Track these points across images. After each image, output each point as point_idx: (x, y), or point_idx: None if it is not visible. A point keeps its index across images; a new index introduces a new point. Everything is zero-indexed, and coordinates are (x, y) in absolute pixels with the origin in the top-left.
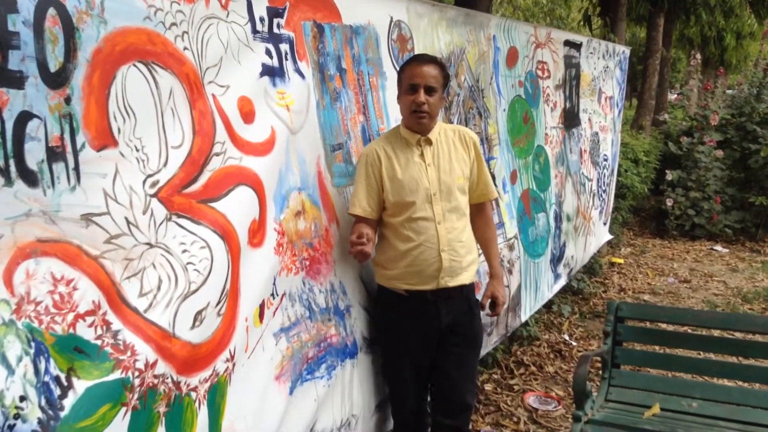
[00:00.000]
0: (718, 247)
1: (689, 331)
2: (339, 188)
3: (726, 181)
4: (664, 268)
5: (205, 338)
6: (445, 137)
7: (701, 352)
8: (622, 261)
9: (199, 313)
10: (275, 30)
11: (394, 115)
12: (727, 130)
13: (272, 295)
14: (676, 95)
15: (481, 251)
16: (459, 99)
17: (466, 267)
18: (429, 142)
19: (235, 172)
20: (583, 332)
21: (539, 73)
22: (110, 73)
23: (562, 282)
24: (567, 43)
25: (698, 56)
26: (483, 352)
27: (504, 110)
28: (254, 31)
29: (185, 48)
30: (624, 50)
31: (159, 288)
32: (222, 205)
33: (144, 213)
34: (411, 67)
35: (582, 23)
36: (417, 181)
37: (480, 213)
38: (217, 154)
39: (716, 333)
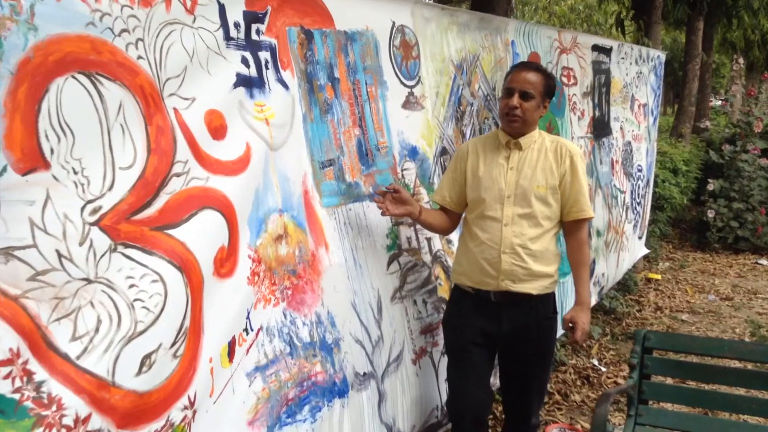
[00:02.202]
0: (763, 261)
1: (726, 363)
2: (329, 209)
3: None
4: (705, 284)
5: (155, 385)
6: (540, 145)
7: (739, 388)
8: (659, 277)
9: (148, 356)
10: (254, 36)
11: (395, 128)
12: None
13: (245, 330)
14: (721, 101)
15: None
16: (473, 109)
17: (535, 277)
18: (519, 147)
19: (200, 195)
20: (614, 356)
21: (564, 80)
22: (41, 87)
23: (593, 301)
24: (595, 48)
25: (741, 60)
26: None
27: None
28: (227, 37)
29: (140, 57)
30: (659, 55)
31: (97, 330)
32: (182, 232)
33: (81, 244)
34: (512, 72)
35: (615, 27)
36: (494, 180)
37: (572, 233)
38: (178, 175)
39: (756, 366)
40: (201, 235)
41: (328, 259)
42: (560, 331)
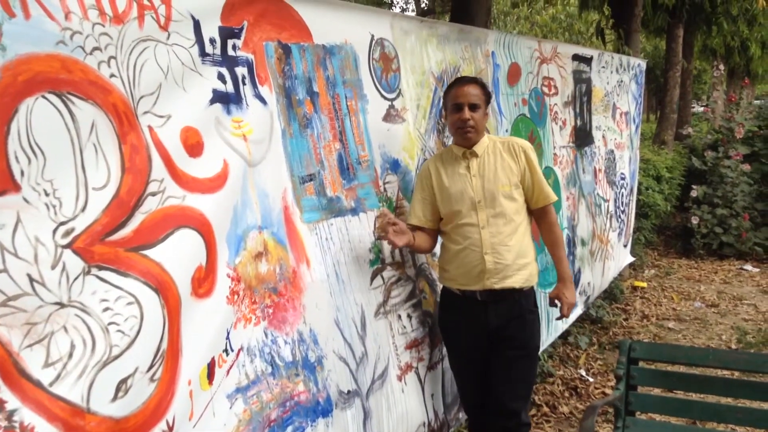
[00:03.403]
0: (748, 267)
1: (712, 373)
2: (310, 224)
3: (754, 196)
4: (690, 291)
5: (132, 410)
6: (493, 149)
7: (726, 398)
8: (645, 284)
9: (124, 381)
10: (230, 52)
11: (377, 141)
12: (754, 143)
13: (225, 351)
14: (703, 107)
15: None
16: None
17: (516, 270)
18: (475, 155)
19: (176, 214)
20: (602, 366)
21: (545, 89)
22: (10, 108)
23: (578, 311)
24: (576, 57)
25: (722, 67)
26: None
27: (506, 131)
28: (203, 53)
29: (112, 75)
30: (640, 63)
31: (71, 355)
32: (158, 252)
33: (53, 267)
34: (453, 89)
35: (595, 36)
36: (462, 192)
37: (542, 218)
38: (153, 194)
39: (742, 375)
40: (178, 254)
41: (309, 276)
42: (549, 338)
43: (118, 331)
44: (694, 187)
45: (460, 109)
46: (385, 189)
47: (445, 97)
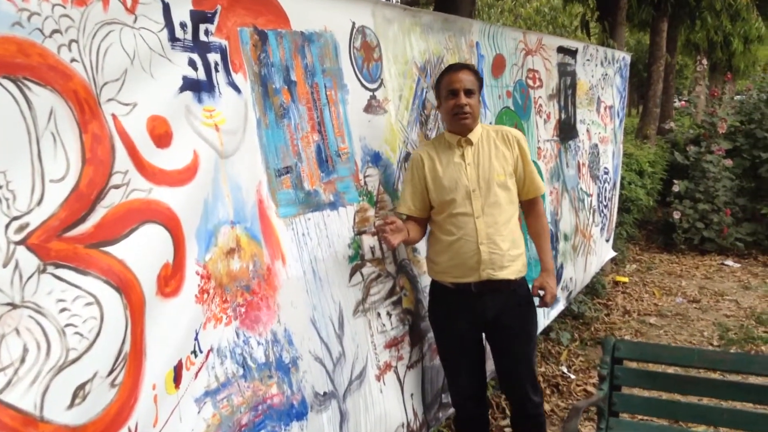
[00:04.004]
0: (729, 262)
1: (697, 373)
2: (286, 219)
3: (736, 191)
4: (672, 286)
5: (91, 417)
6: (487, 137)
7: (711, 399)
8: (627, 279)
9: (82, 387)
10: (202, 37)
11: (357, 132)
12: (736, 138)
13: (193, 352)
14: (681, 102)
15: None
16: (437, 112)
17: (511, 261)
18: (470, 143)
19: (141, 208)
20: (584, 362)
21: (530, 82)
22: None
23: (561, 307)
24: (561, 49)
25: (705, 62)
26: None
27: (490, 123)
28: (173, 38)
29: (73, 60)
30: (624, 56)
31: (23, 360)
32: (120, 248)
33: (5, 265)
34: (447, 75)
35: (580, 29)
36: (456, 180)
37: (531, 209)
38: (117, 187)
39: (728, 376)
40: (142, 251)
41: (285, 273)
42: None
43: (76, 333)
44: (675, 181)
45: (455, 95)
46: (365, 182)
47: (438, 85)
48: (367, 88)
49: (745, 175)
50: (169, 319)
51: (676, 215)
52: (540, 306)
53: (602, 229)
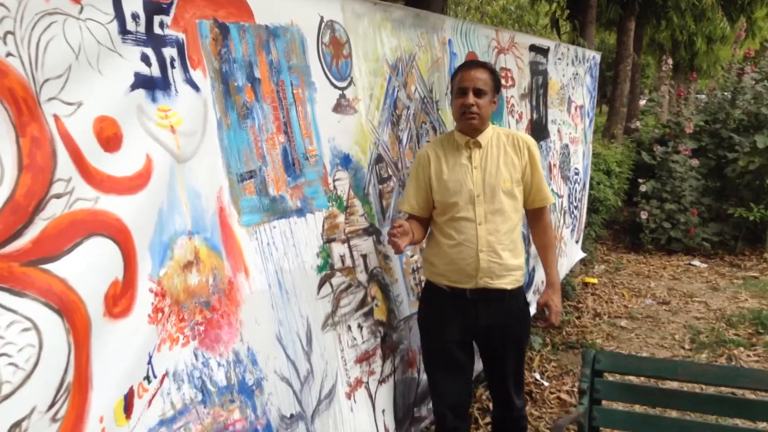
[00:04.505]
0: (696, 262)
1: (680, 387)
2: (250, 227)
3: (701, 191)
4: (641, 287)
5: None
6: (497, 141)
7: (694, 413)
8: (596, 281)
9: (17, 424)
10: (156, 30)
11: (326, 134)
12: (701, 138)
13: (146, 378)
14: (643, 101)
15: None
16: (409, 112)
17: (510, 271)
18: (478, 145)
19: (87, 219)
20: (556, 368)
21: (502, 81)
22: None
23: (533, 310)
24: (533, 48)
25: (670, 61)
26: None
27: None
28: (123, 31)
29: (9, 54)
30: (594, 56)
31: None
32: (62, 266)
33: None
34: (461, 72)
35: (550, 28)
36: (461, 183)
37: (537, 219)
38: (59, 196)
39: (712, 389)
40: (87, 268)
41: (248, 287)
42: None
43: (11, 364)
44: (640, 181)
45: (464, 93)
46: (335, 187)
47: (452, 82)
48: (336, 87)
49: (710, 174)
50: (119, 342)
51: (644, 215)
52: (545, 326)
53: (572, 230)
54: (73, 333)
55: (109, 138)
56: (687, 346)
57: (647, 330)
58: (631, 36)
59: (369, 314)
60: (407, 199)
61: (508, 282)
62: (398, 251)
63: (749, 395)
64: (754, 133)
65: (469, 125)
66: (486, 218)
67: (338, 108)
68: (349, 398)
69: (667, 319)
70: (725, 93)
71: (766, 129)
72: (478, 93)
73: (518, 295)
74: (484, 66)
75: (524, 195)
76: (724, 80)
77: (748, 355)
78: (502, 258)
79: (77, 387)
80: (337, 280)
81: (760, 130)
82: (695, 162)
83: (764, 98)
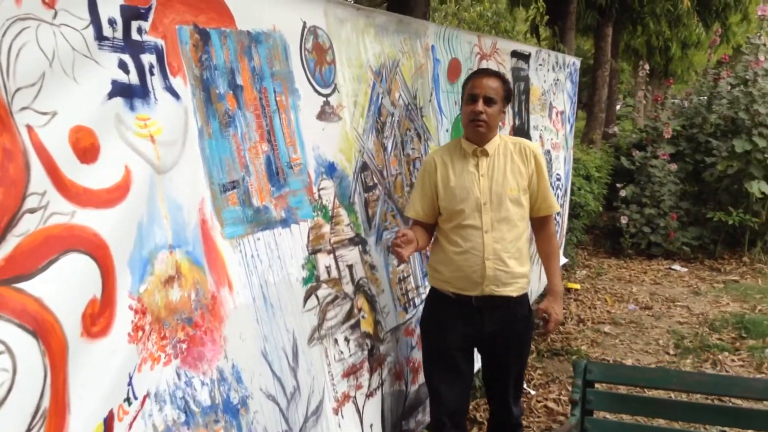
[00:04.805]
0: (677, 266)
1: (668, 395)
2: (233, 240)
3: (680, 195)
4: (623, 292)
5: None
6: (504, 149)
7: (689, 423)
8: (578, 286)
9: None
10: (135, 36)
11: (310, 142)
12: (679, 142)
13: (127, 399)
14: (618, 106)
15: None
16: (393, 119)
17: (515, 278)
18: (485, 153)
19: (62, 235)
20: (542, 375)
21: None
22: None
23: None
24: (514, 54)
25: (647, 67)
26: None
27: (447, 130)
28: (100, 37)
29: None
30: (574, 61)
31: None
32: (37, 284)
33: None
34: (472, 79)
35: (530, 34)
36: (468, 190)
37: (541, 228)
38: (32, 211)
39: (698, 396)
40: (63, 286)
41: (232, 301)
42: None
43: None
44: (619, 185)
45: (474, 101)
46: (319, 196)
47: (463, 88)
48: (320, 94)
49: (688, 179)
50: (98, 363)
51: (624, 220)
52: (544, 333)
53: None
54: (49, 355)
55: (86, 149)
56: (672, 352)
57: (631, 336)
58: (608, 42)
59: (356, 327)
60: (413, 204)
61: (514, 290)
62: (402, 260)
63: (738, 402)
64: (732, 138)
65: (477, 133)
66: (492, 226)
67: (322, 115)
68: (337, 414)
69: (650, 324)
70: (701, 98)
71: (744, 133)
72: (488, 101)
73: (523, 302)
74: (497, 75)
75: (530, 204)
76: (700, 85)
77: (733, 360)
78: (509, 266)
79: (54, 412)
80: (323, 292)
81: (737, 135)
82: (674, 166)
83: (741, 103)
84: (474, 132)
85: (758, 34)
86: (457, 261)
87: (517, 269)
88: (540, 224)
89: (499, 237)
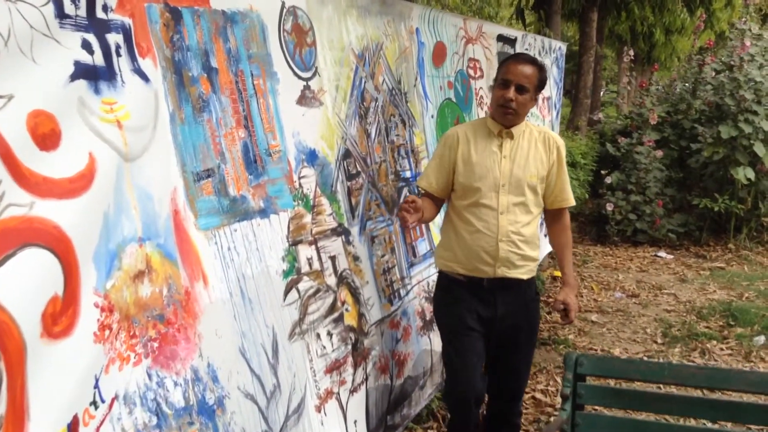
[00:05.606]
0: (663, 254)
1: (658, 388)
2: (208, 231)
3: (665, 182)
4: (609, 280)
5: None
6: (529, 136)
7: (682, 418)
8: None
9: None
10: (100, 14)
11: (290, 127)
12: (664, 129)
13: (93, 403)
14: (602, 92)
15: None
16: (377, 105)
17: (526, 262)
18: (510, 136)
19: (20, 227)
20: None
21: (471, 72)
22: None
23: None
24: (500, 38)
25: (631, 52)
26: (417, 408)
27: (432, 116)
28: (61, 15)
29: None
30: (560, 46)
31: None
32: None
33: None
34: (508, 63)
35: (515, 18)
36: (488, 169)
37: (557, 219)
38: None
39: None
40: (21, 284)
41: (207, 296)
42: None
43: None
44: (603, 172)
45: (506, 87)
46: (300, 185)
47: (498, 69)
48: (300, 77)
49: (673, 165)
50: (60, 365)
51: (609, 207)
52: (565, 322)
53: (541, 224)
54: (5, 358)
55: (46, 135)
56: (659, 341)
57: (618, 324)
58: (593, 27)
59: (339, 320)
60: (426, 176)
61: (524, 272)
62: (406, 226)
63: (730, 396)
64: (717, 124)
65: (506, 119)
66: (508, 209)
67: (302, 100)
68: (319, 411)
69: (637, 312)
70: (686, 84)
71: (730, 120)
72: (520, 89)
73: (531, 284)
74: (533, 62)
75: (547, 194)
76: (685, 71)
77: (722, 349)
78: (521, 249)
79: (11, 419)
80: (305, 285)
81: (723, 121)
82: (659, 153)
83: (726, 89)
84: (502, 117)
85: (743, 18)
86: (470, 240)
87: (529, 253)
88: (556, 216)
89: (513, 219)
